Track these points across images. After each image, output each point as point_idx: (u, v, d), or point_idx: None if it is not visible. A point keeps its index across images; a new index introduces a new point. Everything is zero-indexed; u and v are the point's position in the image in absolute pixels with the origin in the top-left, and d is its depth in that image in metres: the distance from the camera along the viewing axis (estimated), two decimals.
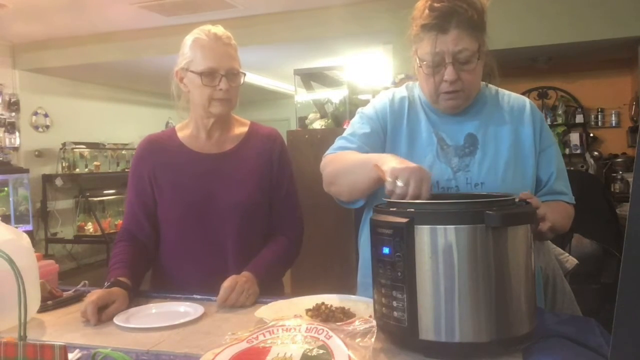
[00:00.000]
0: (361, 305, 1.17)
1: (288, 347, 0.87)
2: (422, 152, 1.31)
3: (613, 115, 6.00)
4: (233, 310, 1.28)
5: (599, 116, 6.07)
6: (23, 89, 5.85)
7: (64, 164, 6.18)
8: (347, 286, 1.45)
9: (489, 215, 0.87)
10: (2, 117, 5.63)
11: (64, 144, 6.17)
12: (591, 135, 6.06)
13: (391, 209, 0.97)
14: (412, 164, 1.03)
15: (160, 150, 1.56)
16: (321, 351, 0.85)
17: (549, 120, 5.96)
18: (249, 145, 1.57)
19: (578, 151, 5.92)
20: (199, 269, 1.50)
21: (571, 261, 1.67)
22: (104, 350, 0.84)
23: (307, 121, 4.20)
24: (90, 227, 6.19)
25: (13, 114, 5.73)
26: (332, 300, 1.20)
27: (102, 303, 1.23)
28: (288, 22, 4.92)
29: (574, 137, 5.99)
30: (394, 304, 0.92)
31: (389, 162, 1.07)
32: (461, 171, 1.29)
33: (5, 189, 5.51)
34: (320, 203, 2.60)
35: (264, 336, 0.92)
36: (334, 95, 4.30)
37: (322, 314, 1.11)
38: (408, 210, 0.93)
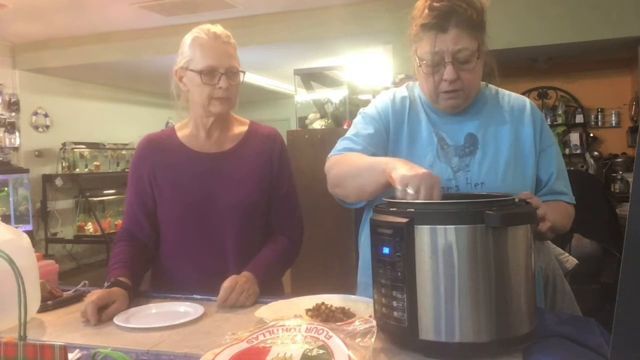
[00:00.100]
0: (361, 305, 1.17)
1: (288, 347, 0.87)
2: (422, 151, 1.31)
3: (613, 115, 6.00)
4: (233, 310, 1.28)
5: (599, 116, 6.07)
6: (23, 89, 5.85)
7: (64, 164, 6.18)
8: (347, 286, 1.45)
9: (489, 215, 0.87)
10: (2, 117, 5.63)
11: (64, 144, 6.17)
12: (591, 135, 6.06)
13: (391, 209, 0.97)
14: (420, 170, 1.02)
15: (159, 150, 1.55)
16: (321, 351, 0.85)
17: (549, 120, 5.96)
18: (249, 145, 1.57)
19: (578, 151, 5.92)
20: (198, 269, 1.50)
21: (571, 261, 1.67)
22: (104, 350, 0.84)
23: (307, 121, 4.20)
24: (90, 227, 6.19)
25: (13, 114, 5.73)
26: (332, 300, 1.20)
27: (102, 303, 1.23)
28: (288, 22, 4.92)
29: (574, 137, 5.99)
30: (394, 304, 0.92)
31: (398, 169, 1.05)
32: (461, 171, 1.29)
33: (5, 189, 5.51)
34: (320, 203, 2.60)
35: (264, 336, 0.92)
36: (334, 95, 4.31)
37: (322, 314, 1.11)
38: (408, 210, 0.93)
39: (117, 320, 1.20)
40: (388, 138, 1.34)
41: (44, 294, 1.33)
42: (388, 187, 1.10)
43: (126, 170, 6.25)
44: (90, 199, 6.11)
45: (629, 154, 5.68)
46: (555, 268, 1.48)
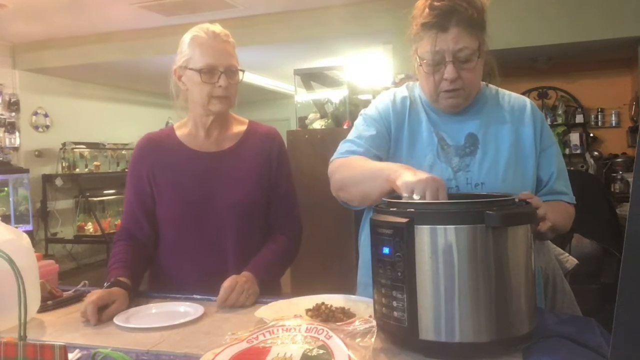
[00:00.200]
0: (361, 305, 1.17)
1: (288, 347, 0.87)
2: (422, 152, 1.31)
3: (613, 115, 6.00)
4: (233, 310, 1.28)
5: (599, 116, 6.07)
6: (23, 89, 5.86)
7: (64, 164, 6.19)
8: (346, 285, 1.45)
9: (489, 215, 0.87)
10: (2, 117, 5.63)
11: (64, 144, 6.17)
12: (591, 135, 6.06)
13: (391, 209, 0.97)
14: (424, 175, 1.02)
15: (159, 149, 1.55)
16: (321, 351, 0.85)
17: (549, 120, 5.96)
18: (248, 144, 1.57)
19: (578, 151, 5.92)
20: (198, 269, 1.50)
21: (571, 261, 1.67)
22: (104, 350, 0.84)
23: (307, 121, 4.21)
24: (90, 227, 6.19)
25: (13, 114, 5.74)
26: (332, 300, 1.20)
27: (102, 303, 1.23)
28: (288, 22, 4.92)
29: (574, 137, 5.99)
30: (394, 304, 0.92)
31: (403, 176, 1.05)
32: (461, 171, 1.29)
33: (5, 189, 5.51)
34: (320, 203, 2.60)
35: (264, 336, 0.92)
36: (334, 95, 4.31)
37: (322, 314, 1.11)
38: (408, 210, 0.93)
39: (117, 320, 1.19)
40: (390, 138, 1.34)
41: (44, 294, 1.33)
42: (393, 194, 1.10)
43: (126, 170, 6.23)
44: (90, 199, 6.11)
45: (629, 154, 5.68)
46: (555, 268, 1.48)
